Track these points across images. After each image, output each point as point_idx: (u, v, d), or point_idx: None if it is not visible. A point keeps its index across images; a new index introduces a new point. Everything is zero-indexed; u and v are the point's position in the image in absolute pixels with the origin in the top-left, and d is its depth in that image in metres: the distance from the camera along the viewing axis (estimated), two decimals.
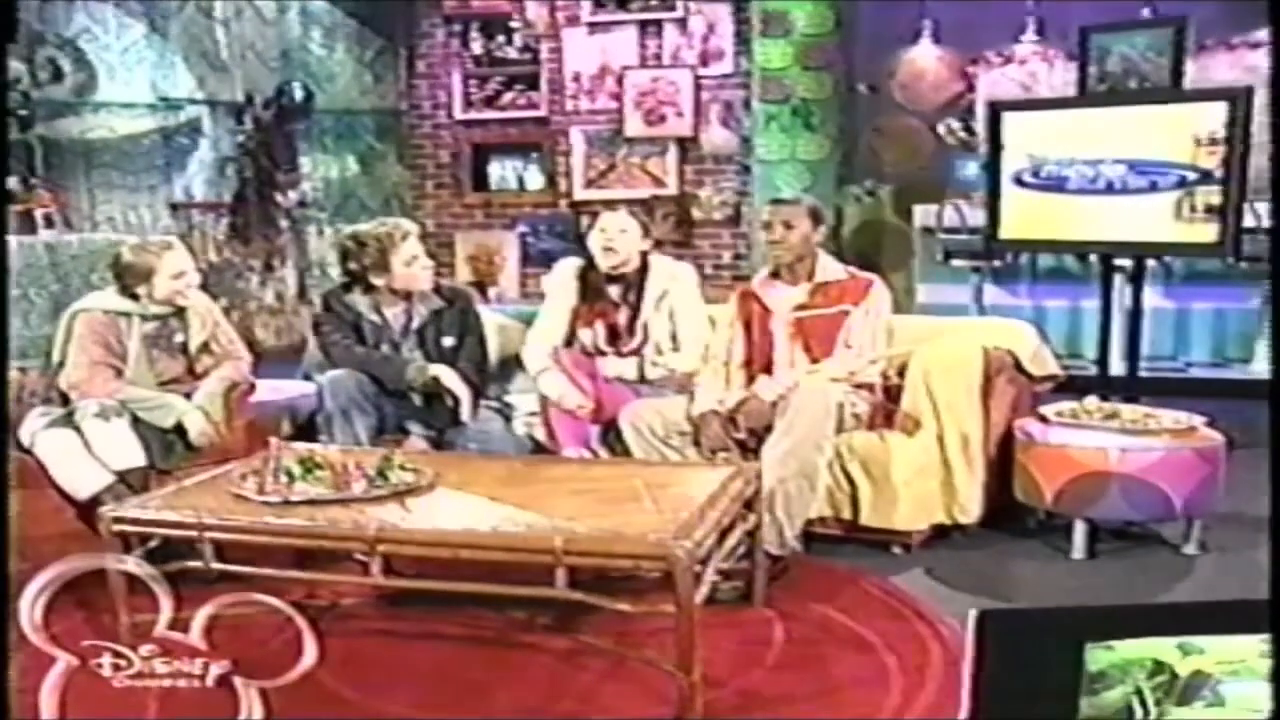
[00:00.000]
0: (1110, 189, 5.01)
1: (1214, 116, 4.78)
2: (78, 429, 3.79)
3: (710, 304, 4.56)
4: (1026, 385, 4.30)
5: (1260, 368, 6.52)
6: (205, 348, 4.16)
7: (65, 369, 4.00)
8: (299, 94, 7.61)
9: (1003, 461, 4.14)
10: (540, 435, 4.31)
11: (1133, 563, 3.91)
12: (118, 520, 3.07)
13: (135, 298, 4.08)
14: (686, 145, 8.19)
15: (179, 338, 4.14)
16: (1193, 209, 4.82)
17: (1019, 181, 5.27)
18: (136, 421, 3.87)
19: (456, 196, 8.67)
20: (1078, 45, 5.37)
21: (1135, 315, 5.24)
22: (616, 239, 4.38)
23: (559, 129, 8.41)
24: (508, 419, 4.38)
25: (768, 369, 4.13)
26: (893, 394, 4.15)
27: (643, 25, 8.17)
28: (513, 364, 4.73)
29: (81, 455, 3.74)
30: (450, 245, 8.61)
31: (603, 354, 4.40)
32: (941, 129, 7.84)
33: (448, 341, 4.32)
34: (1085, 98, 5.34)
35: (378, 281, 4.25)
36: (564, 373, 4.23)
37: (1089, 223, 5.11)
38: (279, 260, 7.89)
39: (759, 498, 3.39)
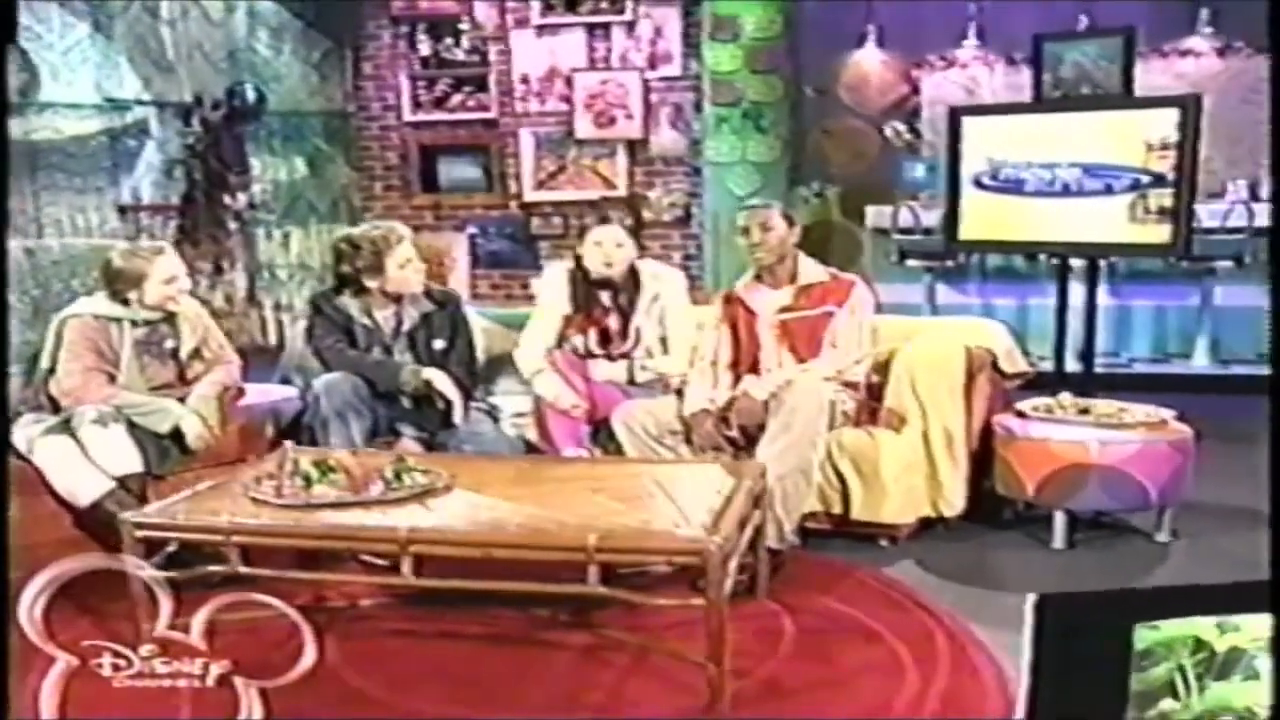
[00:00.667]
0: (1066, 191, 5.19)
1: (1165, 122, 4.99)
2: (75, 435, 3.77)
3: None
4: (1000, 382, 4.46)
5: (1201, 363, 6.80)
6: (196, 354, 4.16)
7: (58, 376, 3.97)
8: (251, 95, 7.53)
9: (980, 456, 4.29)
10: (531, 436, 4.38)
11: (1111, 551, 4.09)
12: (139, 526, 3.08)
13: (125, 303, 4.07)
14: (636, 147, 8.27)
15: (170, 343, 4.13)
16: (1146, 210, 5.02)
17: (977, 184, 5.43)
18: (132, 427, 3.86)
19: (405, 198, 8.66)
20: (1032, 52, 5.57)
21: (1090, 314, 5.44)
22: (614, 253, 4.46)
23: (508, 130, 8.45)
24: (496, 420, 4.44)
25: (754, 370, 4.23)
26: (874, 391, 4.28)
27: (591, 28, 8.24)
28: (496, 366, 4.79)
29: (81, 462, 3.72)
30: None
31: (593, 357, 4.48)
32: (887, 131, 8.01)
33: (438, 344, 4.35)
34: (1041, 103, 5.53)
35: (371, 284, 4.27)
36: (559, 374, 4.30)
37: (1046, 224, 5.29)
38: (228, 263, 7.82)
39: (765, 494, 3.50)
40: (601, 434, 4.30)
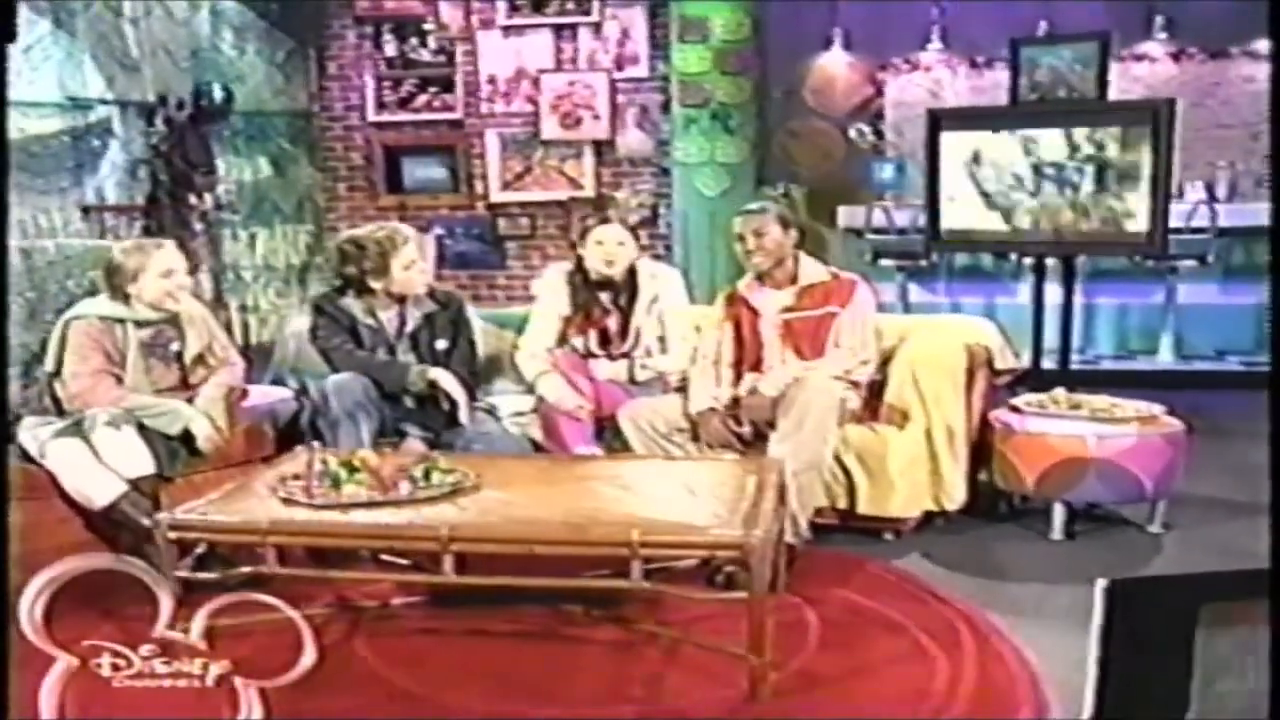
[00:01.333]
0: (1044, 190, 5.34)
1: (1141, 123, 5.15)
2: (86, 438, 3.73)
3: None
4: (992, 379, 4.57)
5: (1165, 359, 6.99)
6: (200, 359, 4.12)
7: (64, 379, 3.94)
8: (219, 95, 7.45)
9: (976, 450, 4.39)
10: (534, 434, 4.41)
11: (1108, 542, 4.21)
12: (174, 526, 3.07)
13: (126, 299, 4.03)
14: (603, 148, 8.31)
15: (174, 346, 4.10)
16: (1125, 210, 5.17)
17: (956, 184, 5.55)
18: (142, 429, 3.83)
19: (370, 199, 8.63)
20: (1009, 56, 5.68)
21: (1066, 311, 5.58)
22: (616, 251, 4.49)
23: (474, 131, 8.44)
24: (497, 420, 4.46)
25: (756, 369, 4.29)
26: (873, 388, 4.36)
27: (558, 29, 8.26)
28: (492, 367, 4.81)
29: (94, 465, 3.69)
30: None
31: (593, 356, 4.51)
32: (853, 133, 8.13)
33: (441, 345, 4.36)
34: (1018, 107, 5.66)
35: (376, 285, 4.27)
36: (562, 375, 4.34)
37: (1024, 222, 5.42)
38: (194, 264, 7.71)
39: (786, 490, 3.56)
40: (606, 433, 4.35)
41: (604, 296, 4.54)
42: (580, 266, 4.55)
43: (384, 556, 3.63)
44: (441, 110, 8.44)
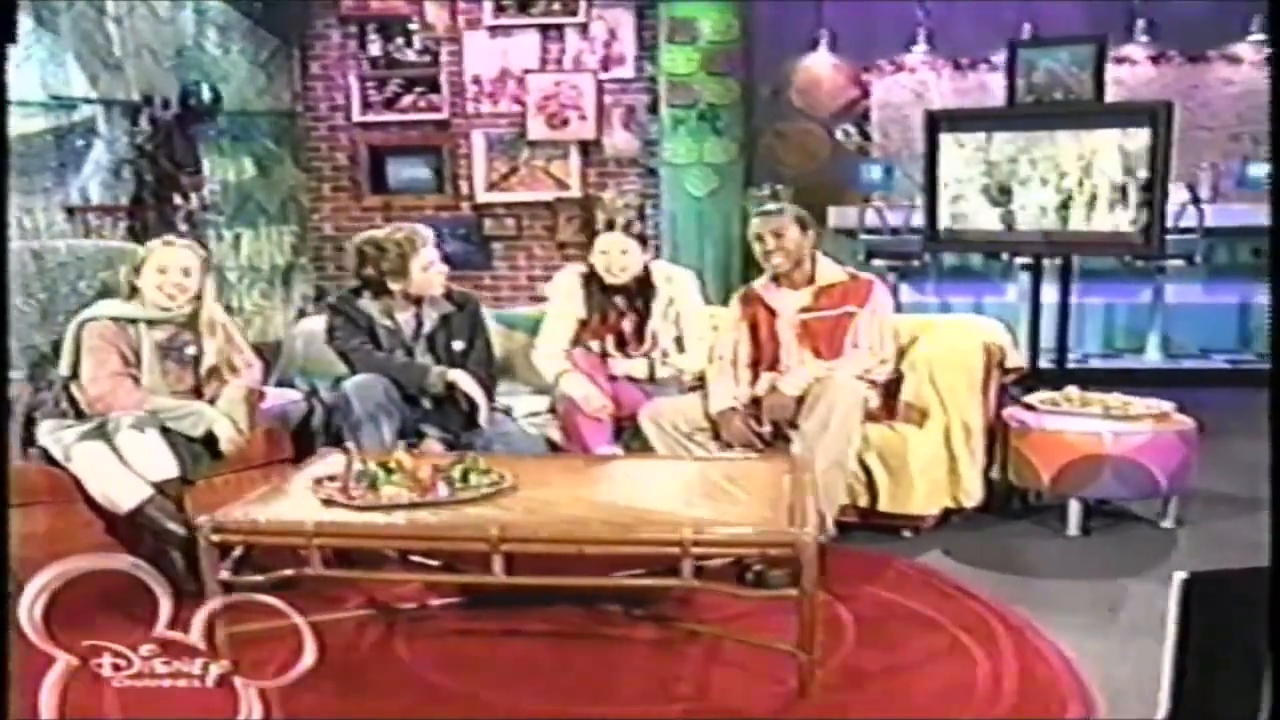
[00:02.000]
0: (1042, 190, 5.40)
1: (1139, 125, 5.22)
2: (109, 441, 3.69)
3: None
4: (1001, 377, 4.62)
5: (1153, 357, 7.10)
6: (215, 371, 4.07)
7: (83, 382, 3.89)
8: (206, 95, 7.38)
9: (988, 448, 4.44)
10: (551, 434, 4.41)
11: (1123, 538, 4.27)
12: (218, 529, 3.04)
13: (135, 293, 4.00)
14: (589, 148, 8.30)
15: (190, 350, 4.06)
16: (1123, 211, 5.24)
17: (955, 184, 5.61)
18: (164, 431, 3.79)
19: (355, 199, 8.57)
20: (1007, 59, 5.75)
21: (1064, 311, 5.66)
22: (619, 260, 4.50)
23: (460, 132, 8.41)
24: (513, 421, 4.45)
25: (773, 368, 4.31)
26: (888, 387, 4.40)
27: (544, 30, 8.25)
28: (500, 367, 4.80)
29: (119, 468, 3.65)
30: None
31: (610, 356, 4.52)
32: (838, 133, 8.20)
33: (458, 345, 4.35)
34: (1016, 109, 5.72)
35: (394, 287, 4.26)
36: (583, 374, 4.34)
37: (1022, 223, 5.49)
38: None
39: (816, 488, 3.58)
40: (625, 432, 4.36)
41: (619, 300, 4.55)
42: (593, 270, 4.56)
43: (412, 558, 3.63)
44: (427, 110, 8.40)
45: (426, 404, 4.28)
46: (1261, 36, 7.72)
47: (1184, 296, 7.15)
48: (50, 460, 3.74)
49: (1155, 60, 7.85)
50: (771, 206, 4.47)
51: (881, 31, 8.05)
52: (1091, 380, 5.76)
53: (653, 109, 8.07)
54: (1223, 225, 6.92)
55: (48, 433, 3.81)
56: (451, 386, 4.22)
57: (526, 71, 8.25)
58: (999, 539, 4.26)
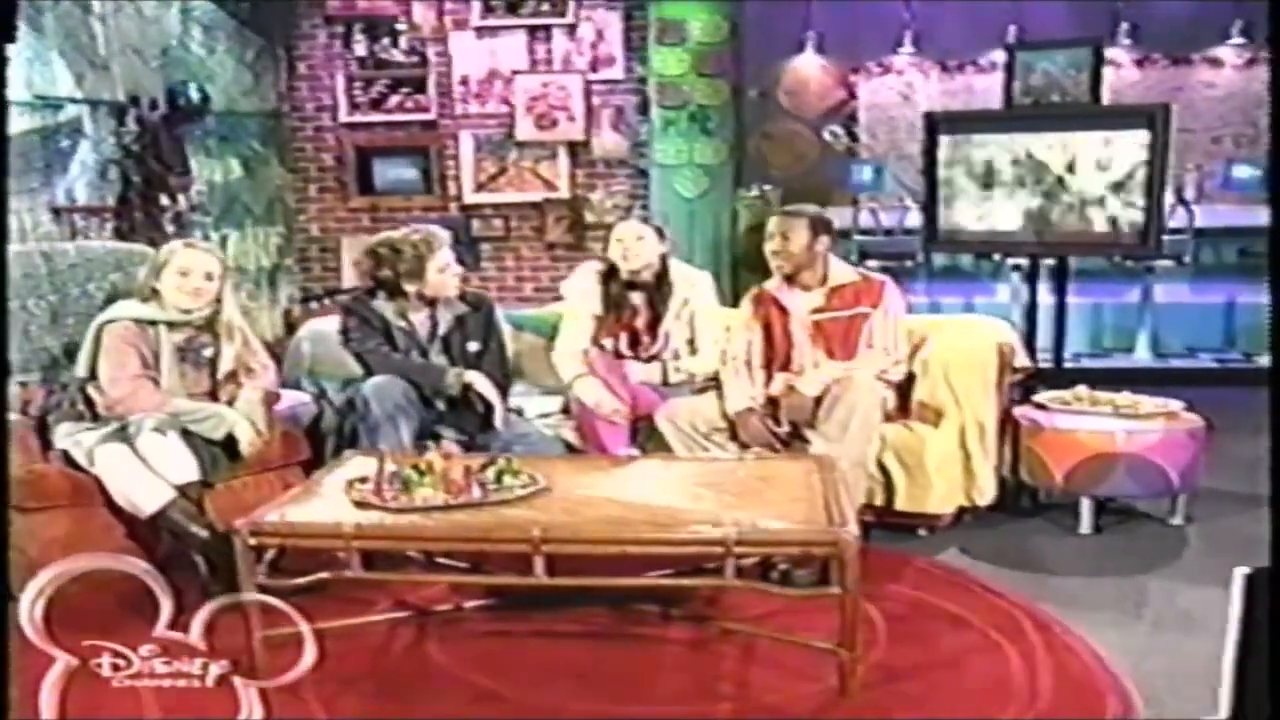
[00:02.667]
0: (1040, 192, 5.46)
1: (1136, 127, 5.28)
2: (131, 444, 3.66)
3: None
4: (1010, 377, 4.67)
5: (1142, 357, 7.19)
6: (232, 375, 4.04)
7: (102, 384, 3.85)
8: (195, 95, 7.32)
9: (999, 447, 4.49)
10: (567, 436, 4.42)
11: (1135, 536, 4.32)
12: (255, 532, 3.02)
13: (155, 294, 3.97)
14: (578, 149, 8.31)
15: (207, 352, 4.03)
16: (1121, 211, 5.30)
17: (954, 185, 5.65)
18: (185, 434, 3.77)
19: (342, 200, 8.53)
20: (1005, 61, 5.81)
21: (1061, 311, 5.71)
22: (633, 246, 4.51)
23: (448, 132, 8.39)
24: (527, 422, 4.45)
25: (785, 368, 4.33)
26: (899, 387, 4.43)
27: (532, 30, 8.25)
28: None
29: (141, 471, 3.62)
30: (336, 250, 8.49)
31: (624, 358, 4.53)
32: (826, 135, 8.24)
33: (472, 347, 4.34)
34: (1014, 110, 5.78)
35: (410, 288, 4.24)
36: (599, 378, 4.35)
37: (1020, 222, 5.54)
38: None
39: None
40: (640, 433, 4.37)
41: (635, 297, 4.56)
42: (612, 266, 4.57)
43: (438, 559, 3.62)
44: (414, 111, 8.38)
45: (441, 406, 4.27)
46: (1241, 41, 7.85)
47: (1170, 296, 7.24)
48: (70, 463, 3.71)
49: (1139, 63, 7.94)
50: (790, 208, 4.48)
51: (869, 33, 8.12)
52: (1086, 379, 5.84)
53: (643, 110, 8.09)
54: (1209, 226, 7.01)
55: (66, 435, 3.78)
56: (467, 388, 4.21)
57: (515, 72, 8.24)
58: (1013, 537, 4.30)
